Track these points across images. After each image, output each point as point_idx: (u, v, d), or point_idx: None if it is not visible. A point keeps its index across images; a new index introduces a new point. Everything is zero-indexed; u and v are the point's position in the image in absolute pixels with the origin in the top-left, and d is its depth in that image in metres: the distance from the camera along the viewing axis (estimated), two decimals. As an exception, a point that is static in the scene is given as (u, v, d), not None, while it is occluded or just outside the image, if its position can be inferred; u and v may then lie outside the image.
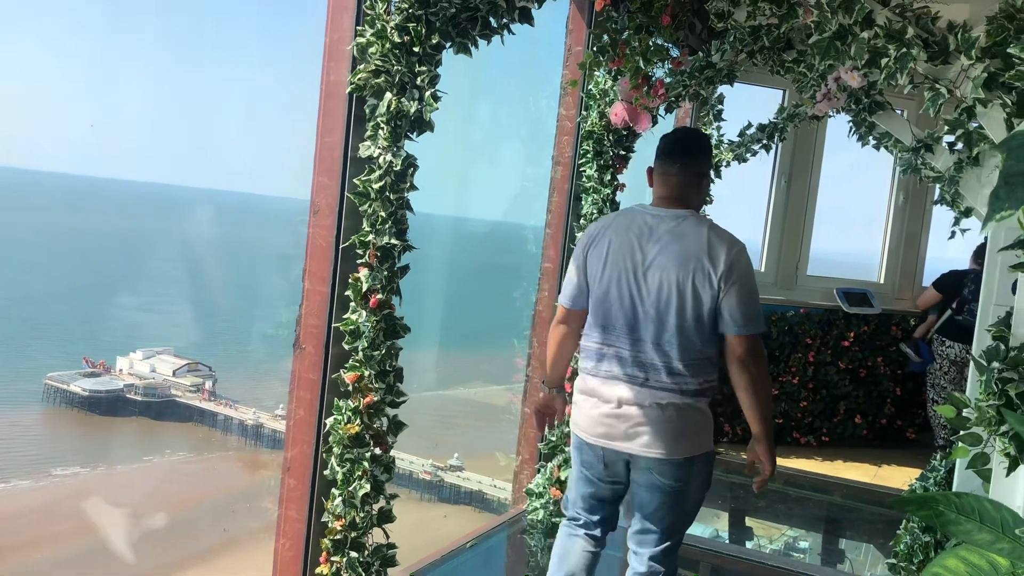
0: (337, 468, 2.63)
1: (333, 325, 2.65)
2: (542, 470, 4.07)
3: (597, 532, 2.72)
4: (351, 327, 2.60)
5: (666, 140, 2.72)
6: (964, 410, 2.09)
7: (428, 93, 2.51)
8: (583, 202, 4.02)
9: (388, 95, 2.52)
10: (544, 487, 4.04)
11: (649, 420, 2.46)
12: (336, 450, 2.62)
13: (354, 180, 2.56)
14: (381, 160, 2.54)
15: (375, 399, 2.61)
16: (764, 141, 5.36)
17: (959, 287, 6.01)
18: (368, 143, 2.57)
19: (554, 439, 4.03)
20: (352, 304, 2.60)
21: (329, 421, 2.63)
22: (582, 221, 4.01)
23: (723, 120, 5.71)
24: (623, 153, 4.00)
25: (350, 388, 2.61)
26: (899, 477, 5.60)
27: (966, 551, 1.51)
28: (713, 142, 5.64)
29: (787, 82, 5.44)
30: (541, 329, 4.22)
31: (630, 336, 2.50)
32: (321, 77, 2.67)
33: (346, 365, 2.61)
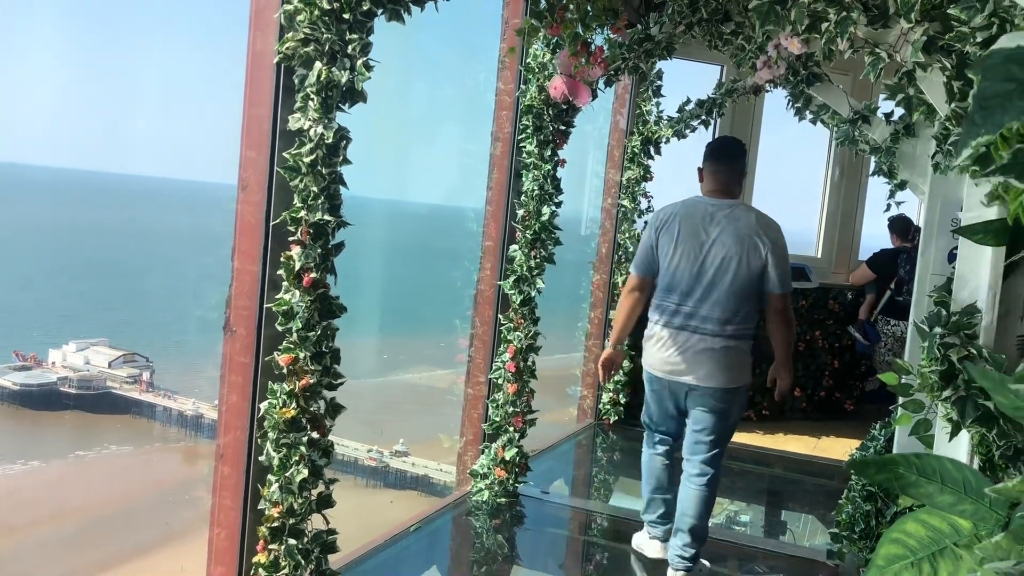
0: (273, 454, 2.53)
1: (265, 306, 2.55)
2: (486, 451, 4.02)
3: (669, 440, 3.52)
4: (284, 308, 2.49)
5: (715, 145, 3.48)
6: (905, 377, 2.09)
7: (360, 62, 2.41)
8: (523, 178, 3.96)
9: (318, 64, 2.42)
10: (488, 468, 3.99)
11: (705, 358, 3.26)
12: (272, 435, 2.52)
13: (284, 154, 2.46)
14: (312, 132, 2.43)
15: (311, 381, 2.52)
16: (703, 117, 5.36)
17: (893, 266, 6.12)
18: (298, 115, 2.46)
19: (498, 419, 3.98)
20: (285, 284, 2.50)
21: (263, 406, 2.53)
22: (523, 198, 3.95)
23: (662, 96, 5.70)
24: (563, 128, 3.94)
25: (284, 371, 2.51)
26: (839, 448, 5.69)
27: (927, 514, 1.48)
28: (652, 118, 5.63)
29: (725, 57, 5.44)
30: (483, 308, 4.16)
31: (694, 296, 3.26)
32: (247, 47, 2.55)
33: (280, 347, 2.50)
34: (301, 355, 2.50)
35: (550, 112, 3.89)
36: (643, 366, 3.47)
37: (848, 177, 6.56)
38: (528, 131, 3.91)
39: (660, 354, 3.34)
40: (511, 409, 3.97)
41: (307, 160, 2.43)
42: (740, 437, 5.73)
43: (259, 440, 2.57)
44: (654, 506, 3.59)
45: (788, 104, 4.57)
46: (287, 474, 2.52)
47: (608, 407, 5.70)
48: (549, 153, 3.93)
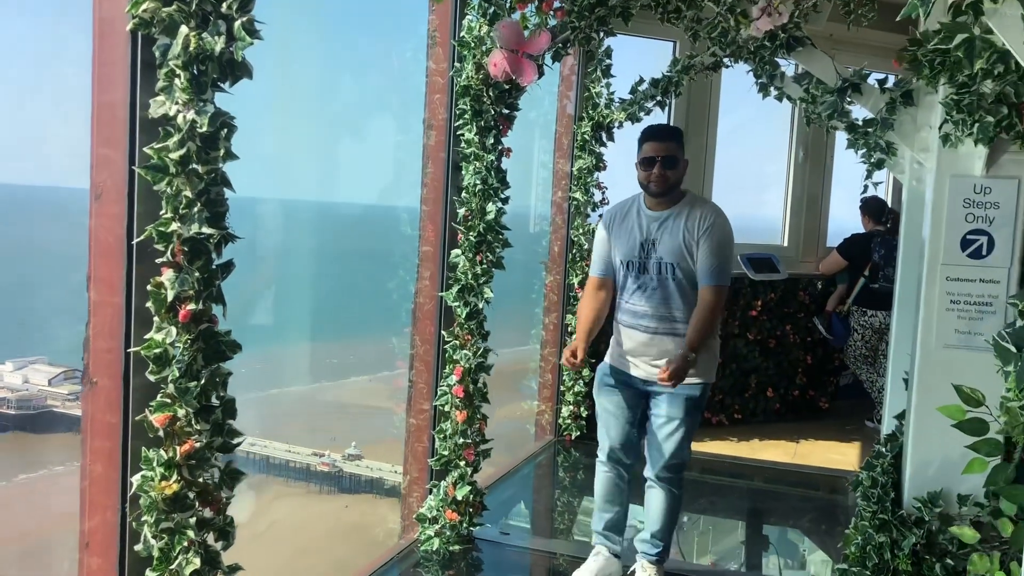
0: (152, 541, 1.94)
1: (132, 349, 1.96)
2: (434, 490, 3.45)
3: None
4: (156, 351, 1.90)
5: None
6: (973, 410, 1.60)
7: (239, 24, 1.83)
8: (463, 172, 3.40)
9: (184, 29, 1.83)
10: (438, 510, 3.43)
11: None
12: (149, 517, 1.93)
13: (145, 149, 1.86)
14: (180, 119, 1.84)
15: (197, 445, 1.93)
16: (658, 97, 4.86)
17: (866, 252, 5.70)
18: (161, 98, 1.87)
19: (446, 453, 3.42)
20: (156, 319, 1.91)
21: (136, 480, 1.94)
22: (464, 194, 3.39)
23: (612, 76, 5.18)
24: (506, 112, 3.39)
25: (161, 433, 1.92)
26: (818, 454, 5.26)
27: None
28: (603, 101, 5.12)
29: (679, 32, 4.94)
30: (424, 324, 3.59)
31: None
32: (92, 12, 1.95)
33: (152, 403, 1.91)
34: (181, 412, 1.91)
35: (490, 94, 3.33)
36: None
37: (812, 159, 6.12)
38: (466, 116, 3.34)
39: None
40: (461, 440, 3.41)
41: (175, 156, 1.85)
42: (713, 446, 5.27)
43: (134, 523, 1.97)
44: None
45: (759, 74, 4.09)
46: (172, 567, 1.93)
47: (568, 422, 5.17)
48: (491, 141, 3.37)
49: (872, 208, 5.77)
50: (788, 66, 4.13)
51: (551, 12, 3.05)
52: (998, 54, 1.69)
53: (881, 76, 3.25)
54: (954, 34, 1.62)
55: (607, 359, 3.32)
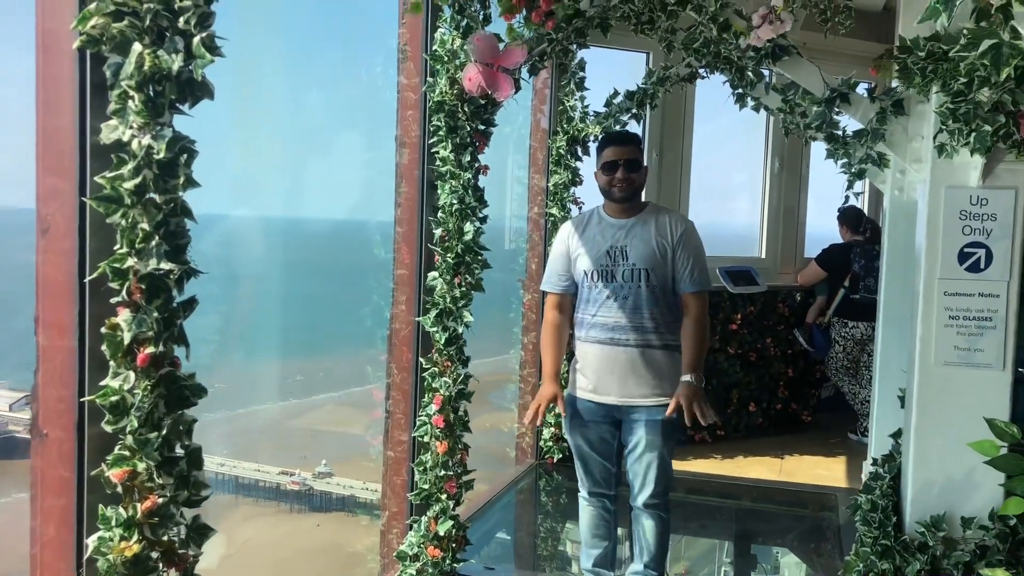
0: (112, 608, 1.76)
1: (86, 398, 1.78)
2: (415, 526, 3.29)
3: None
4: (113, 399, 1.73)
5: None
6: (1006, 444, 1.48)
7: (198, 40, 1.67)
8: (439, 190, 3.25)
9: (137, 47, 1.67)
10: (419, 547, 3.26)
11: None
12: (108, 582, 1.76)
13: (97, 178, 1.70)
14: (135, 145, 1.68)
15: (160, 501, 1.76)
16: (634, 110, 4.77)
17: (846, 262, 5.63)
18: (114, 122, 1.70)
19: (427, 487, 3.26)
20: (112, 364, 1.74)
21: (92, 541, 1.76)
22: (440, 214, 3.24)
23: (586, 89, 5.08)
24: (483, 128, 3.25)
25: (120, 489, 1.75)
26: (804, 470, 5.17)
27: None
28: (577, 115, 5.02)
29: (652, 43, 4.85)
30: (400, 351, 3.44)
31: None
32: (36, 28, 1.78)
33: (109, 457, 1.74)
34: (141, 466, 1.74)
35: (466, 109, 3.19)
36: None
37: (788, 169, 6.05)
38: (441, 133, 3.20)
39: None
40: (442, 472, 3.25)
41: (130, 185, 1.68)
42: (698, 465, 5.16)
43: (91, 589, 1.80)
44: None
45: (737, 84, 4.00)
46: (134, 637, 1.76)
47: (550, 444, 5.02)
48: (468, 159, 3.23)
49: (850, 218, 5.71)
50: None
51: (541, 23, 2.92)
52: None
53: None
54: (979, 40, 1.51)
55: (571, 391, 3.21)
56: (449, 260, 3.23)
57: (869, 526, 2.89)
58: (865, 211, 6.32)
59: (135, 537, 1.75)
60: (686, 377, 2.97)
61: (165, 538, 1.79)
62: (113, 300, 1.72)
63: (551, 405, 3.15)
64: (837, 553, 3.93)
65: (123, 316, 1.72)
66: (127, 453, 1.74)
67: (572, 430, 3.20)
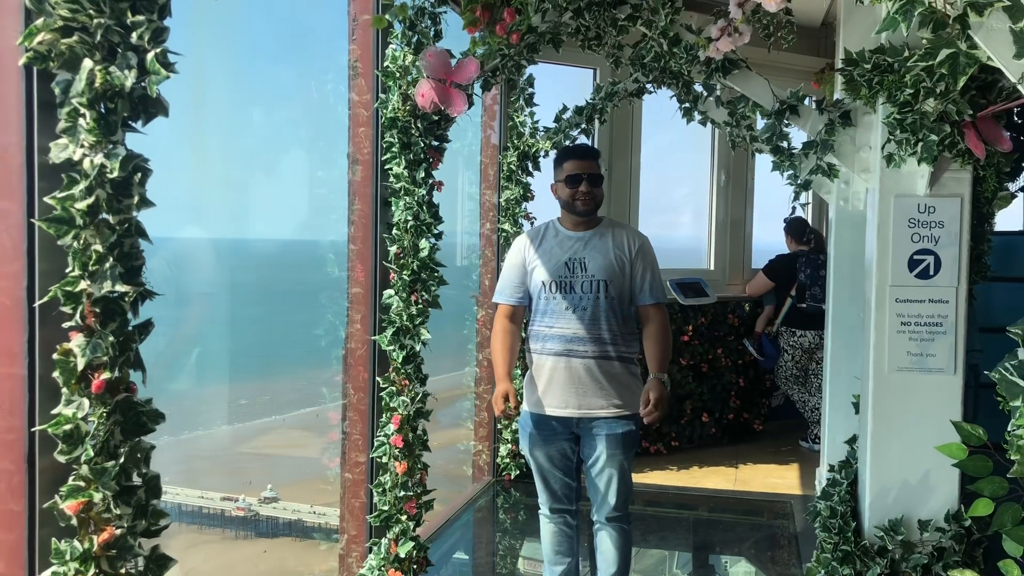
0: (68, 646, 1.69)
1: (37, 428, 1.71)
2: (375, 549, 3.23)
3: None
4: (66, 428, 1.67)
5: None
6: (972, 445, 1.50)
7: (151, 56, 1.63)
8: (393, 207, 3.22)
9: (88, 63, 1.62)
10: (380, 570, 3.20)
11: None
12: (63, 619, 1.69)
13: (47, 199, 1.64)
14: (87, 164, 1.63)
15: (118, 532, 1.70)
16: (583, 125, 4.81)
17: (792, 272, 5.73)
18: (64, 140, 1.65)
19: (386, 508, 3.21)
20: (65, 392, 1.67)
21: (46, 576, 1.69)
22: (394, 231, 3.21)
23: (535, 105, 5.09)
24: (436, 143, 3.23)
25: (74, 522, 1.68)
26: (759, 479, 5.22)
27: None
28: (527, 130, 5.03)
29: (600, 59, 4.90)
30: (356, 370, 3.38)
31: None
32: (-21, 45, 1.72)
33: (63, 488, 1.67)
34: (97, 497, 1.67)
35: (419, 125, 3.17)
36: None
37: (734, 182, 6.15)
38: (394, 150, 3.17)
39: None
40: (402, 493, 3.20)
41: (82, 206, 1.63)
42: (655, 477, 5.17)
43: (45, 627, 1.72)
44: None
45: (683, 98, 4.06)
46: (91, 675, 1.69)
47: (507, 461, 5.00)
48: (422, 175, 3.21)
49: (795, 228, 5.81)
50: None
51: (505, 36, 2.93)
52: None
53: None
54: (938, 49, 1.55)
55: (528, 407, 3.19)
56: (405, 277, 3.20)
57: (829, 532, 2.92)
58: (809, 221, 6.45)
59: (92, 571, 1.68)
60: (660, 375, 2.99)
61: (123, 570, 1.72)
62: (65, 325, 1.66)
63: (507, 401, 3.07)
64: (795, 560, 3.96)
65: (76, 341, 1.66)
66: (82, 484, 1.67)
67: (532, 447, 3.17)
